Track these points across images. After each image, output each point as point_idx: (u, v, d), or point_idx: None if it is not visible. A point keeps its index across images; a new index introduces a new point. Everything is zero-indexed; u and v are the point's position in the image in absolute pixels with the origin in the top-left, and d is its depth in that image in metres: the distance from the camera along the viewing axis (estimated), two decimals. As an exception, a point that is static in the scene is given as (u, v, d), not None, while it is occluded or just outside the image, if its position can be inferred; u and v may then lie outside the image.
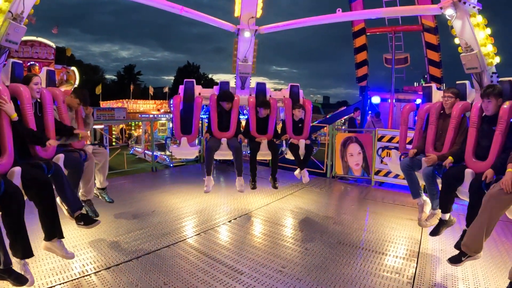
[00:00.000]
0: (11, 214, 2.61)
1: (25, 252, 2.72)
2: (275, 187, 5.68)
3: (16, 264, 2.71)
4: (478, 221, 2.85)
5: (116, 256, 3.70)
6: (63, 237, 3.13)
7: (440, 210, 3.77)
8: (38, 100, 3.49)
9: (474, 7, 3.87)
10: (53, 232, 3.02)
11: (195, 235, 4.46)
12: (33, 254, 2.79)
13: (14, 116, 2.96)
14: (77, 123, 4.22)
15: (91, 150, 4.06)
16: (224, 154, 5.45)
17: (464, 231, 3.22)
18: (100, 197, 4.46)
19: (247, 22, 5.70)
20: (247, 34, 5.72)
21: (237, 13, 5.76)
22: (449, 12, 4.01)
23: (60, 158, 3.41)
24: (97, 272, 3.35)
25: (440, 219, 3.78)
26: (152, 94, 32.79)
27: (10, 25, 3.20)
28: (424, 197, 4.14)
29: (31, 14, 3.58)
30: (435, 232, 3.82)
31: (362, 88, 14.89)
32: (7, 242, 2.65)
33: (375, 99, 14.74)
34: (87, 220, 3.52)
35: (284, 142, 5.70)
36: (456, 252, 3.20)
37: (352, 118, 11.67)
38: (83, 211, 3.69)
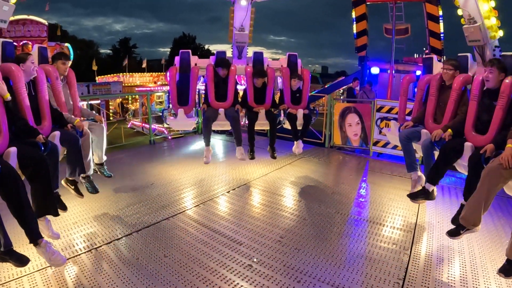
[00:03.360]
0: (11, 195, 2.59)
1: (34, 235, 2.71)
2: (273, 157, 5.69)
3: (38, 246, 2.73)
4: (476, 195, 2.87)
5: (117, 230, 3.74)
6: (58, 215, 3.12)
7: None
8: (31, 78, 3.41)
9: None
10: (44, 209, 2.98)
11: (194, 206, 4.49)
12: (42, 236, 2.78)
13: (7, 96, 2.90)
14: (71, 97, 4.14)
15: (87, 126, 4.00)
16: (221, 124, 5.42)
17: (462, 206, 3.25)
18: (98, 172, 4.45)
19: (244, -11, 5.51)
20: (243, 2, 5.53)
21: (233, -21, 5.54)
22: None
23: (56, 136, 3.37)
24: (99, 247, 3.39)
25: (424, 188, 3.73)
26: (145, 67, 31.96)
27: None
28: (419, 173, 4.06)
29: None
30: (412, 196, 3.80)
31: (361, 58, 14.72)
32: (6, 224, 2.63)
33: (374, 70, 14.57)
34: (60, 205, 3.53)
35: (282, 112, 5.65)
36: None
37: (351, 88, 11.58)
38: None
